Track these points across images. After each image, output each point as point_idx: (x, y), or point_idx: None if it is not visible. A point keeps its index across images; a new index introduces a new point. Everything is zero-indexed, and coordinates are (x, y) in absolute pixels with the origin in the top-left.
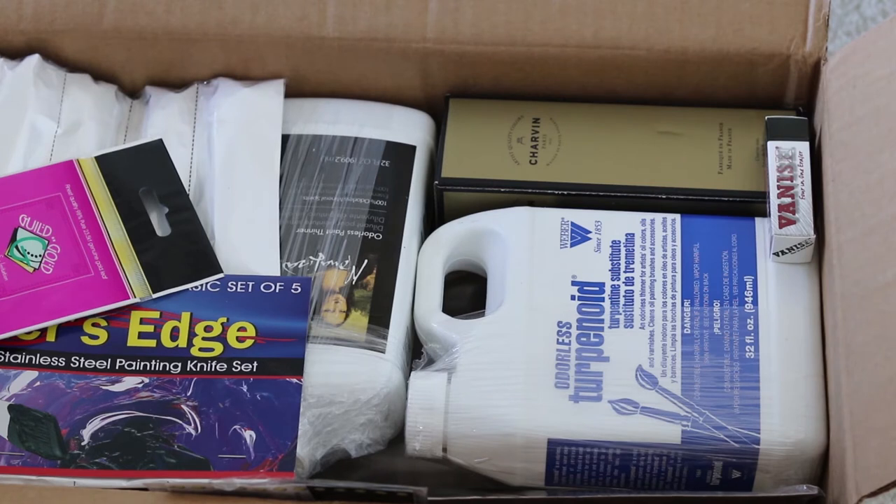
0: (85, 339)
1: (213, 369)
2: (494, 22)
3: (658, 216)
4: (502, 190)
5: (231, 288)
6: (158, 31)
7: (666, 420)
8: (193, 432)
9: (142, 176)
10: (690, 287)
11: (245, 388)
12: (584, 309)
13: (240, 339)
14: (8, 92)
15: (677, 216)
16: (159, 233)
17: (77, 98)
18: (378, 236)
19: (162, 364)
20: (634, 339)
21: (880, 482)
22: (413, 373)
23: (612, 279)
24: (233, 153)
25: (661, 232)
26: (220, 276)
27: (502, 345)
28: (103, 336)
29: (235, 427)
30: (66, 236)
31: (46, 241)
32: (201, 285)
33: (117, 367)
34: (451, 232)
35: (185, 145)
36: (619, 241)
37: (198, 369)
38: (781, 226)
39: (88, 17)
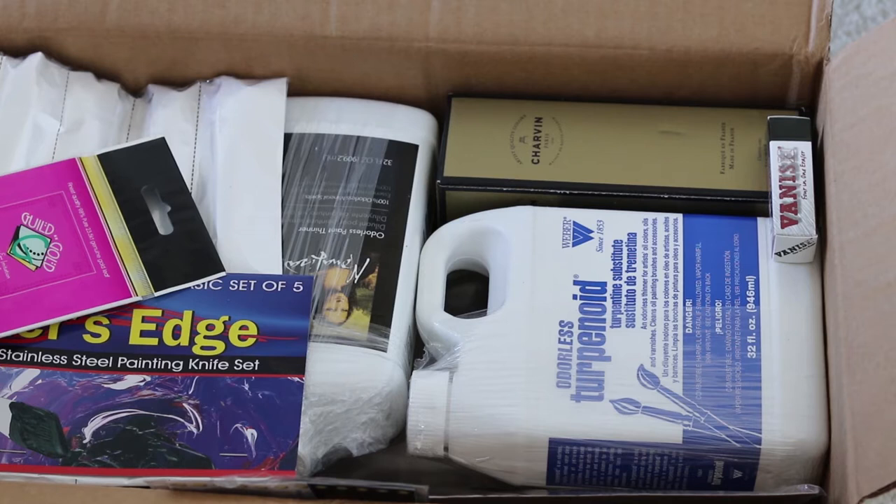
0: (87, 338)
1: (214, 368)
2: (497, 21)
3: (660, 216)
4: (504, 189)
5: (233, 286)
6: (161, 30)
7: (667, 420)
8: (195, 431)
9: (144, 174)
10: (692, 287)
11: (247, 387)
12: (585, 308)
13: (241, 338)
14: (11, 90)
15: (679, 216)
16: (161, 231)
17: (80, 96)
18: (380, 235)
19: (164, 362)
20: (636, 339)
21: (881, 482)
22: (415, 372)
23: (614, 279)
24: (235, 152)
25: (664, 231)
26: (222, 274)
27: (504, 344)
28: (105, 334)
29: (237, 425)
30: (68, 234)
31: (49, 240)
32: (203, 284)
33: (119, 366)
34: (453, 231)
35: (188, 144)
36: (622, 241)
37: (199, 368)
38: (783, 226)
39: (91, 16)
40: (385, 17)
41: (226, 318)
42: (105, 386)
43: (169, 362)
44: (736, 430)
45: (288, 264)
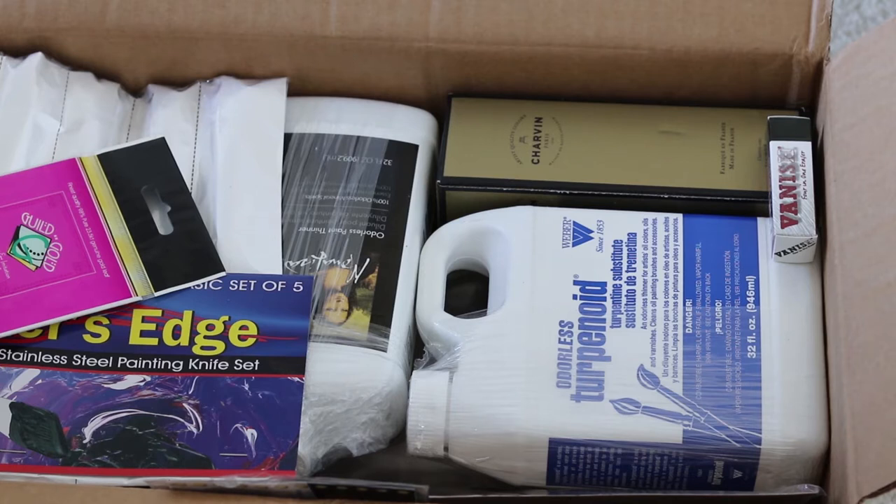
0: (87, 338)
1: (214, 368)
2: (497, 21)
3: (660, 216)
4: (504, 189)
5: (233, 286)
6: (161, 30)
7: (667, 420)
8: (195, 431)
9: (144, 174)
10: (692, 287)
11: (247, 387)
12: (585, 308)
13: (241, 338)
14: (11, 90)
15: (679, 216)
16: (161, 231)
17: (80, 96)
18: (380, 235)
19: (164, 362)
20: (636, 339)
21: (881, 482)
22: (415, 372)
23: (614, 279)
24: (235, 152)
25: (664, 231)
26: (222, 274)
27: (504, 344)
28: (105, 334)
29: (237, 425)
30: (68, 234)
31: (49, 240)
32: (203, 284)
33: (119, 366)
34: (453, 231)
35: (188, 144)
36: (622, 241)
37: (199, 368)
38: (783, 226)
39: (91, 16)
40: (385, 17)
41: (226, 318)
42: (105, 386)
43: (169, 362)
44: (736, 430)
45: (288, 264)
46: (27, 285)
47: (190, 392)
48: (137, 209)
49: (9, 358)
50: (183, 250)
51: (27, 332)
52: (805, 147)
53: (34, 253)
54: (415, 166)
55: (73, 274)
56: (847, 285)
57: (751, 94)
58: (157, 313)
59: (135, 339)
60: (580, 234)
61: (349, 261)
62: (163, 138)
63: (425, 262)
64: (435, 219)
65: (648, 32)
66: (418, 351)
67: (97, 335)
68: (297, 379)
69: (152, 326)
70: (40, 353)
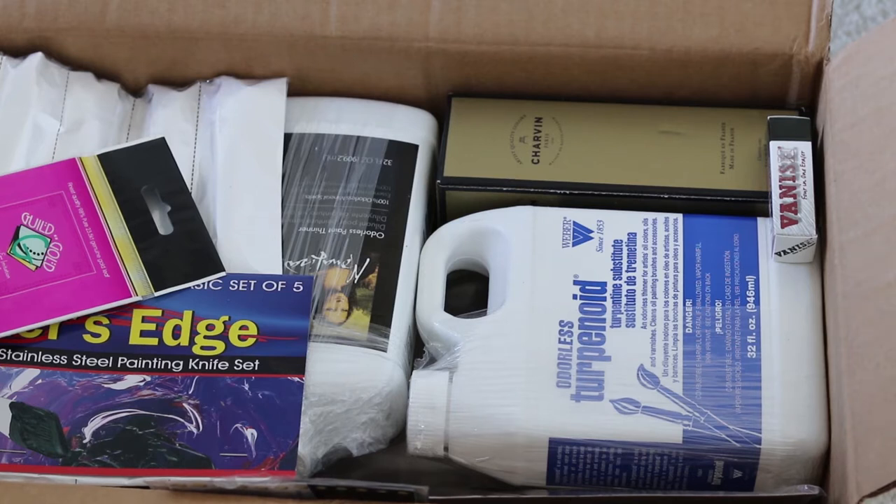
0: (87, 338)
1: (214, 368)
2: (497, 21)
3: (660, 216)
4: (504, 189)
5: (233, 286)
6: (161, 30)
7: (667, 420)
8: (195, 431)
9: (144, 174)
10: (692, 287)
11: (247, 387)
12: (585, 308)
13: (241, 338)
14: (11, 90)
15: (679, 216)
16: (161, 231)
17: (80, 96)
18: (380, 235)
19: (164, 362)
20: (636, 339)
21: (881, 482)
22: (415, 371)
23: (614, 278)
24: (235, 152)
25: (664, 231)
26: (222, 274)
27: (504, 344)
28: (105, 334)
29: (237, 425)
30: (68, 234)
31: (49, 240)
32: (203, 284)
33: (119, 366)
34: (453, 231)
35: (188, 144)
36: (622, 241)
37: (199, 368)
38: (783, 226)
39: (91, 16)
40: (385, 17)
41: (226, 318)
42: (105, 386)
43: (169, 362)
44: (736, 430)
45: (288, 264)
46: (27, 285)
47: (190, 392)
48: (137, 209)
49: (9, 358)
50: (183, 250)
51: (27, 332)
52: (805, 147)
53: (34, 253)
54: (415, 166)
55: (73, 274)
56: (847, 285)
57: (751, 94)
58: (157, 313)
59: (135, 339)
60: (580, 234)
61: (349, 261)
62: (163, 138)
63: (425, 262)
64: (435, 219)
65: (648, 32)
66: (418, 351)
67: (97, 335)
68: (297, 379)
69: (152, 326)
70: (40, 353)
